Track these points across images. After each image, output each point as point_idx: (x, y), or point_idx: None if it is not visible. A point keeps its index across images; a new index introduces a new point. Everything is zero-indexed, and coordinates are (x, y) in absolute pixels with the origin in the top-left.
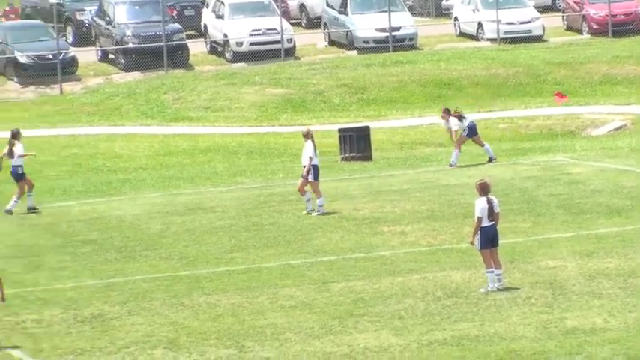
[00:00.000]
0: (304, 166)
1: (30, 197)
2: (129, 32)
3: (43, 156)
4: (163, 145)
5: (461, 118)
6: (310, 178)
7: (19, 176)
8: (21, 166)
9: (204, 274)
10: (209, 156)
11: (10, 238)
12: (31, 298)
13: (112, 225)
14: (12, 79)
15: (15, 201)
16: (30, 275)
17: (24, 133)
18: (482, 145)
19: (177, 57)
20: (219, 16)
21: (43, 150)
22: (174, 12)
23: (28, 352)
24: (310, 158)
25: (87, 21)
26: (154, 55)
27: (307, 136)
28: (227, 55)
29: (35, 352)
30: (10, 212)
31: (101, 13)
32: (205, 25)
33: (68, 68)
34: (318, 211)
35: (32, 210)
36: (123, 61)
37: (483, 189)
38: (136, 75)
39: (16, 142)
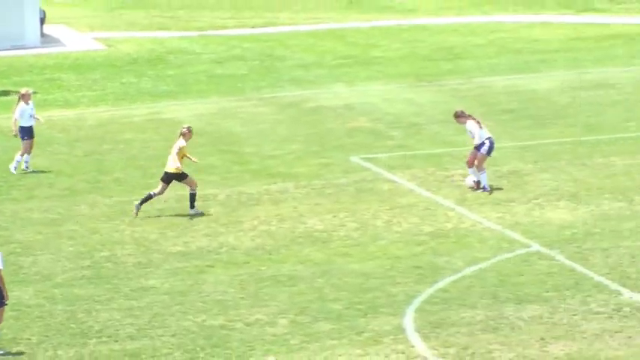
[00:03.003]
0: None
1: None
2: None
3: (474, 39)
4: (574, 31)
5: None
6: None
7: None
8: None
9: (603, 140)
10: (611, 42)
11: (443, 106)
12: (459, 157)
13: (527, 97)
14: None
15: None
16: (459, 137)
17: (458, 19)
18: None
19: None
20: None
21: (474, 33)
22: None
23: (453, 201)
24: None
25: None
26: None
27: None
28: None
29: (460, 200)
30: None
31: None
32: None
33: None
34: None
35: None
36: None
37: None
38: None
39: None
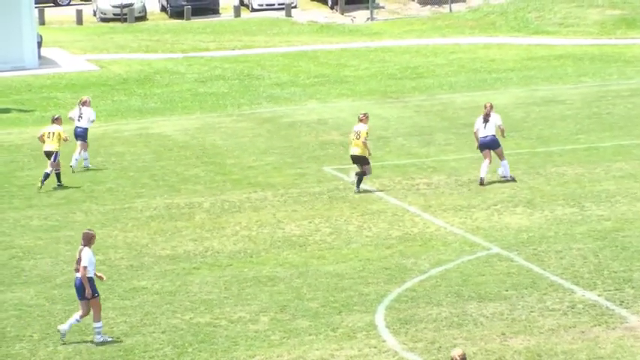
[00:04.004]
0: None
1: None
2: None
3: (435, 59)
4: (527, 52)
5: None
6: None
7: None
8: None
9: (556, 151)
10: (561, 61)
11: (408, 121)
12: (423, 167)
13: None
14: (413, 0)
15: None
16: (423, 149)
17: (420, 41)
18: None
19: None
20: None
21: (435, 54)
22: None
23: (419, 208)
24: None
25: None
26: None
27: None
28: None
29: (425, 207)
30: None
31: None
32: None
33: None
34: None
35: None
36: None
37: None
38: None
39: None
